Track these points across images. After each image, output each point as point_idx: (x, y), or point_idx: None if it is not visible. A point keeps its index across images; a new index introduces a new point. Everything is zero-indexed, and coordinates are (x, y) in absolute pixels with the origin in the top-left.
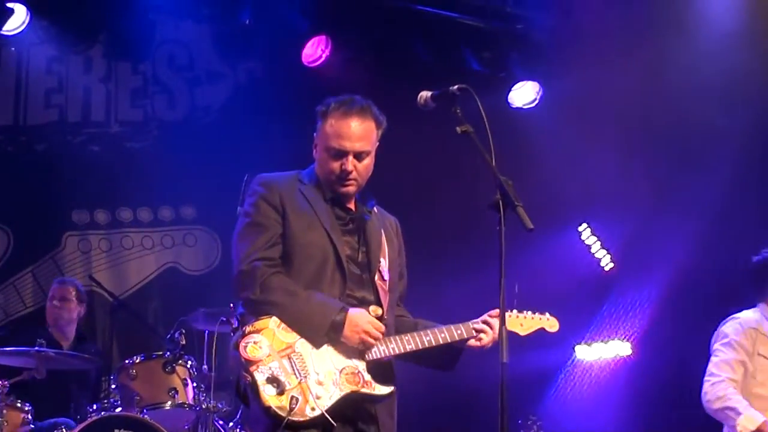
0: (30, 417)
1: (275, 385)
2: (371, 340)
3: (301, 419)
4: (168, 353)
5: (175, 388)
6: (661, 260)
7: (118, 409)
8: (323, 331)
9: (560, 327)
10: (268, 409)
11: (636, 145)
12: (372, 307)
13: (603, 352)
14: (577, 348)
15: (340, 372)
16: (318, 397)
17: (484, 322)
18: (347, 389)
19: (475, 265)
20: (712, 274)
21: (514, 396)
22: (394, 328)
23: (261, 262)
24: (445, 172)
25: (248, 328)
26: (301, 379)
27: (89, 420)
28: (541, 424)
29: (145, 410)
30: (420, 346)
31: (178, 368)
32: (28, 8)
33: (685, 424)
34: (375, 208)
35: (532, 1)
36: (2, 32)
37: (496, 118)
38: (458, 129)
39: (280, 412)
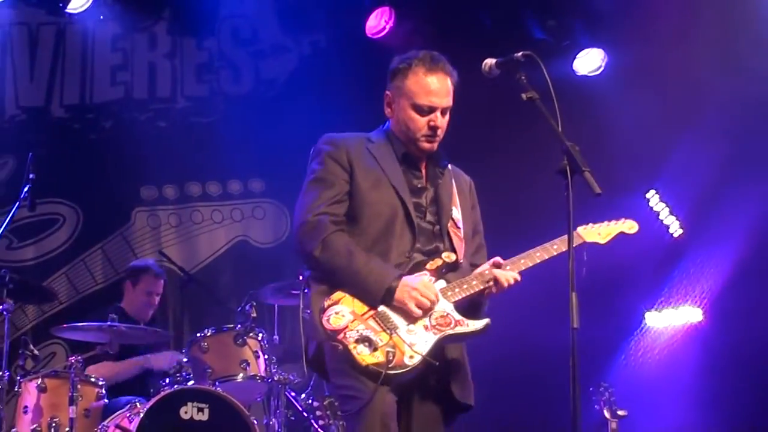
0: (104, 392)
1: (367, 344)
2: (425, 302)
3: (401, 370)
4: (239, 326)
5: (246, 361)
6: (732, 225)
7: (191, 383)
8: (378, 298)
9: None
10: (366, 368)
11: (704, 112)
12: (445, 254)
13: (673, 318)
14: (647, 315)
15: (430, 318)
16: (413, 345)
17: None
18: (441, 332)
19: (544, 232)
20: None
21: (584, 363)
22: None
23: (326, 216)
24: (511, 141)
25: (326, 302)
26: (391, 333)
27: (162, 393)
28: (613, 391)
29: (217, 383)
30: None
31: (249, 341)
32: None
33: (756, 390)
34: (449, 166)
35: None
36: (67, 10)
37: (562, 86)
38: (523, 96)
39: (378, 368)
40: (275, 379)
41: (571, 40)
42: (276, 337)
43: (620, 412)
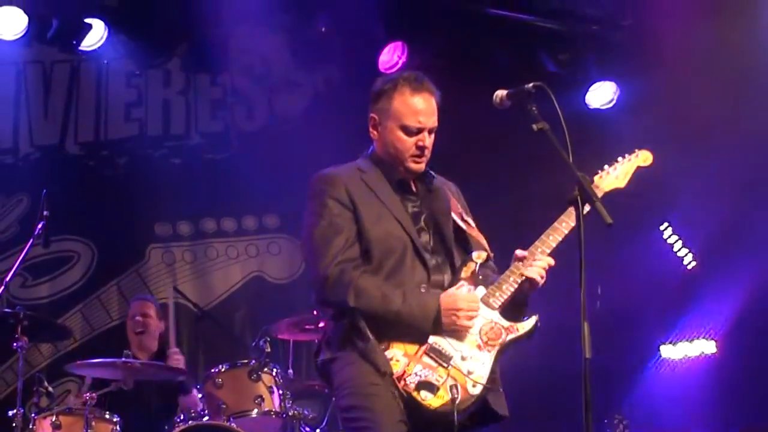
0: (119, 429)
1: (428, 388)
2: (472, 314)
3: (468, 403)
4: (253, 361)
5: (261, 396)
6: (745, 258)
7: (205, 419)
8: (427, 331)
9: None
10: (434, 412)
11: (716, 144)
12: (475, 254)
13: (688, 350)
14: (662, 347)
15: (480, 334)
16: (471, 372)
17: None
18: (495, 347)
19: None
20: None
21: (599, 395)
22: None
23: (346, 264)
24: (524, 172)
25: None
26: (448, 367)
27: (177, 429)
28: (628, 423)
29: (231, 418)
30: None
31: (264, 376)
32: (106, 24)
33: None
34: (434, 175)
35: (608, 2)
36: (81, 48)
37: (574, 119)
38: (534, 126)
39: (446, 408)
40: (290, 414)
41: (584, 73)
42: (290, 371)
43: None
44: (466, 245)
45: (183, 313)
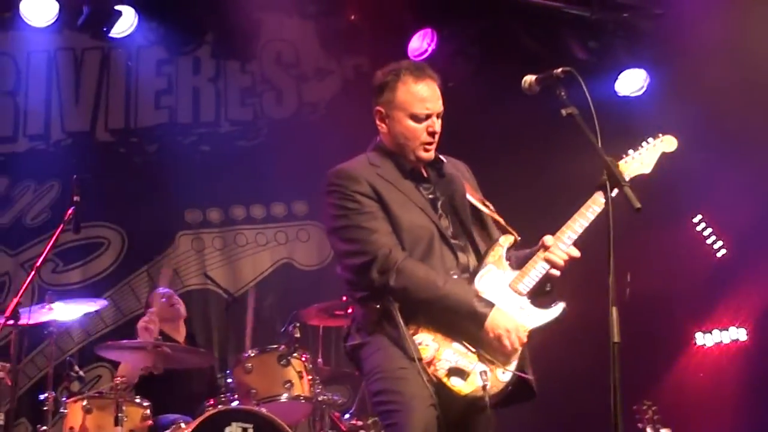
0: (149, 413)
1: (458, 374)
2: (516, 343)
3: (499, 389)
4: (283, 346)
5: (290, 381)
6: None
7: (235, 403)
8: (465, 317)
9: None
10: (465, 399)
11: (749, 130)
12: (502, 238)
13: (721, 338)
14: (696, 335)
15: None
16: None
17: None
18: (525, 333)
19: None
20: None
21: (630, 382)
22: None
23: (396, 247)
24: (552, 158)
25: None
26: (477, 352)
27: (206, 414)
28: (657, 409)
29: (261, 403)
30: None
31: (293, 361)
32: (137, 10)
33: None
34: (444, 159)
35: None
36: (111, 35)
37: (604, 107)
38: (563, 111)
39: (477, 395)
40: (319, 399)
41: (613, 60)
42: (320, 360)
43: (664, 430)
44: (484, 227)
45: (213, 299)
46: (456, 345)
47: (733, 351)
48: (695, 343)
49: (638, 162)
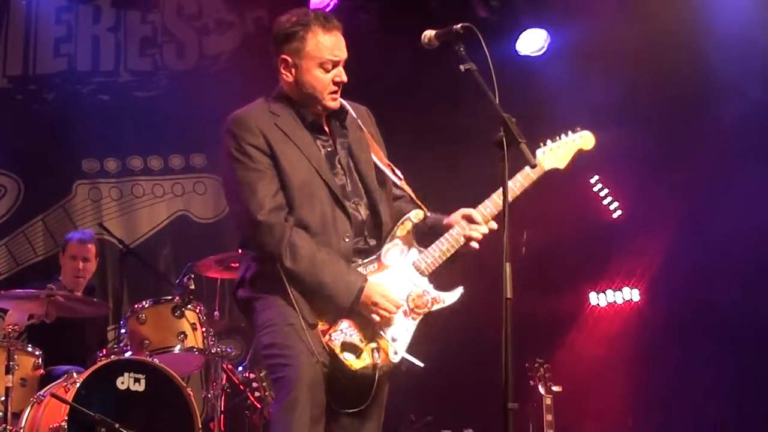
0: (41, 362)
1: (351, 349)
2: (386, 315)
3: (388, 368)
4: (177, 298)
5: (184, 332)
6: (670, 208)
7: (128, 354)
8: (347, 306)
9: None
10: (355, 373)
11: (643, 95)
12: (412, 213)
13: (615, 298)
14: (590, 295)
15: (407, 299)
16: (395, 340)
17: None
18: (420, 315)
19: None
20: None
21: (525, 343)
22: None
23: (277, 212)
24: (449, 114)
25: None
26: (373, 329)
27: (98, 364)
28: (548, 367)
29: (154, 354)
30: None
31: (188, 312)
32: None
33: (692, 367)
34: (348, 109)
35: None
36: None
37: (504, 65)
38: (462, 67)
39: (366, 371)
40: (213, 351)
41: (514, 19)
42: (216, 312)
43: (555, 388)
44: (384, 187)
45: (108, 250)
46: (354, 318)
47: (627, 311)
48: (589, 303)
49: (555, 155)
